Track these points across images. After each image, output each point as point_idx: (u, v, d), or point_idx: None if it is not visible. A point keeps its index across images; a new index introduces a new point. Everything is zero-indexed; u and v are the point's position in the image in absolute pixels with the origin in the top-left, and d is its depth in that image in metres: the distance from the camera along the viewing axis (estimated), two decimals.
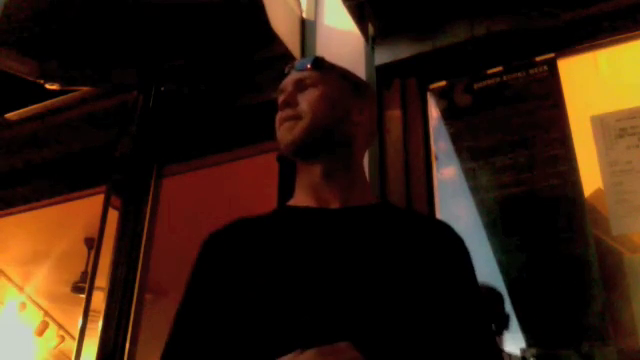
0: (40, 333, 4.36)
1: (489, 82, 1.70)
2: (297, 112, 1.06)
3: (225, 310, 0.94)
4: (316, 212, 1.04)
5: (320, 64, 1.12)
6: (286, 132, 1.06)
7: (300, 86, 1.09)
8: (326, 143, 1.06)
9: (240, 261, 0.99)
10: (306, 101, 1.07)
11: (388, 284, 0.91)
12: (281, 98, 1.10)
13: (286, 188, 1.72)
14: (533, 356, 1.38)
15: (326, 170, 1.06)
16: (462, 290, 0.96)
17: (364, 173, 1.14)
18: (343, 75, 1.15)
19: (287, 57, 1.83)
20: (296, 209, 1.08)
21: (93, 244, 2.45)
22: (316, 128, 1.05)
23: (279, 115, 1.09)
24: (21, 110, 2.38)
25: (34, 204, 2.50)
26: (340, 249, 0.95)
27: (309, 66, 1.11)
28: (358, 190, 1.08)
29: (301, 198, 1.09)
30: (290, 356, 0.77)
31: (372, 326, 0.87)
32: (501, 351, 0.96)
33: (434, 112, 1.76)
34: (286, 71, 1.15)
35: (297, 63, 1.14)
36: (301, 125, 1.05)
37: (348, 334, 0.83)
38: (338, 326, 0.85)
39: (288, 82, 1.12)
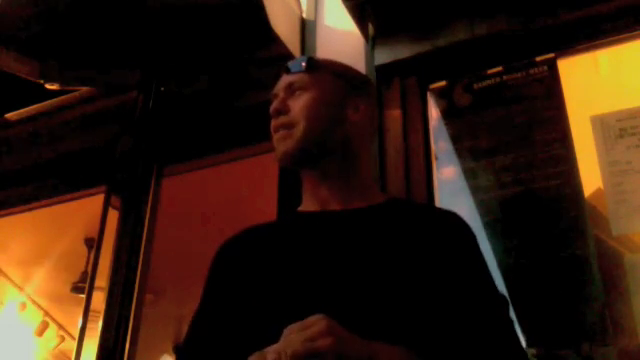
0: (40, 333, 4.36)
1: (489, 82, 1.70)
2: (289, 119, 1.05)
3: (234, 317, 0.96)
4: (318, 216, 1.04)
5: (311, 65, 1.09)
6: (280, 143, 1.05)
7: (291, 90, 1.07)
8: (321, 149, 1.05)
9: (248, 269, 1.00)
10: (298, 107, 1.05)
11: (387, 285, 0.91)
12: (272, 106, 1.08)
13: (286, 188, 1.72)
14: (533, 356, 1.38)
15: (324, 174, 1.06)
16: (470, 279, 0.95)
17: (367, 170, 1.11)
18: (337, 73, 1.12)
19: (287, 57, 1.82)
20: (301, 214, 1.09)
21: (93, 244, 2.45)
22: (310, 136, 1.03)
23: (272, 123, 1.07)
24: (21, 110, 2.39)
25: (34, 204, 2.50)
26: (339, 252, 0.95)
27: (302, 65, 1.09)
28: (360, 190, 1.07)
29: (307, 203, 1.09)
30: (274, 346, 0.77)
31: (377, 323, 0.87)
32: (516, 335, 0.94)
33: (434, 112, 1.76)
34: (289, 65, 1.13)
35: (288, 65, 1.12)
36: (294, 135, 1.03)
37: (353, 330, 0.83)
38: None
39: (279, 87, 1.10)
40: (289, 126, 1.04)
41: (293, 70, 1.10)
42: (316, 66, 1.10)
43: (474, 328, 0.89)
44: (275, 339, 0.79)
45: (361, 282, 0.91)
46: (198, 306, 1.04)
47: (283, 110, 1.06)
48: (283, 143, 1.04)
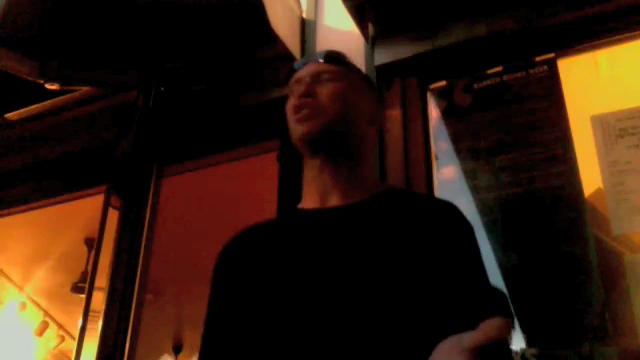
0: (40, 333, 4.37)
1: (489, 82, 1.70)
2: (316, 103, 1.04)
3: (241, 313, 0.96)
4: (317, 213, 1.04)
5: (339, 59, 1.12)
6: (303, 122, 1.04)
7: (318, 79, 1.08)
8: (340, 139, 1.05)
9: (254, 272, 1.00)
10: (327, 95, 1.05)
11: (387, 282, 0.91)
12: (301, 88, 1.07)
13: (286, 188, 1.72)
14: (533, 356, 1.38)
15: (333, 166, 1.05)
16: (466, 270, 0.94)
17: (370, 167, 1.13)
18: (357, 71, 1.16)
19: (287, 57, 1.83)
20: (300, 212, 1.08)
21: (93, 244, 2.45)
22: (335, 123, 1.03)
23: (296, 103, 1.06)
24: (21, 110, 2.38)
25: (34, 204, 2.50)
26: (343, 251, 0.95)
27: (330, 57, 1.11)
28: (361, 184, 1.07)
29: (307, 199, 1.09)
30: None
31: (378, 322, 0.87)
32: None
33: (434, 112, 1.76)
34: (300, 63, 1.13)
35: (316, 55, 1.13)
36: (321, 118, 1.03)
37: (351, 333, 0.84)
38: (336, 324, 0.86)
39: (306, 73, 1.09)
40: (316, 109, 1.04)
41: (321, 60, 1.11)
42: (343, 62, 1.13)
43: (465, 319, 0.89)
44: (286, 342, 0.79)
45: (366, 280, 0.91)
46: (208, 312, 1.04)
47: (312, 93, 1.05)
48: (307, 123, 1.03)
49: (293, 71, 1.14)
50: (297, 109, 1.05)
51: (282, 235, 1.06)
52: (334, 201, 1.04)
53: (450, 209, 1.02)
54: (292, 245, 1.01)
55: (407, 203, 1.08)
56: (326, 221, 1.02)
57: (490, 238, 1.55)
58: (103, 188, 2.13)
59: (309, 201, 1.08)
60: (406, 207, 1.05)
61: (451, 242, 0.96)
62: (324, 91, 1.06)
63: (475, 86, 1.71)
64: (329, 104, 1.04)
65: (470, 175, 1.64)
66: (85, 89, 2.24)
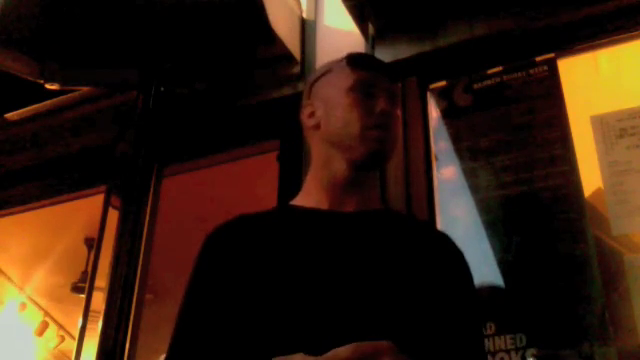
0: (40, 333, 4.36)
1: (489, 82, 1.70)
2: (394, 127, 1.08)
3: (228, 309, 0.92)
4: (327, 215, 1.03)
5: (398, 78, 1.18)
6: (380, 141, 1.04)
7: (392, 101, 1.09)
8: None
9: (243, 259, 0.96)
10: (397, 126, 1.10)
11: (393, 288, 0.92)
12: (390, 111, 1.07)
13: (286, 188, 1.72)
14: (533, 356, 1.38)
15: (366, 179, 1.08)
16: (461, 302, 0.98)
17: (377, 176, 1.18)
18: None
19: (287, 57, 1.83)
20: (304, 210, 1.05)
21: (93, 244, 2.45)
22: (394, 152, 1.11)
23: (379, 119, 1.04)
24: (21, 110, 2.38)
25: (34, 204, 2.50)
26: (350, 252, 0.95)
27: (396, 78, 1.16)
28: (373, 194, 1.10)
29: (310, 198, 1.06)
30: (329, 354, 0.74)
31: (374, 327, 0.87)
32: None
33: (434, 112, 1.76)
34: (365, 64, 1.12)
35: (382, 66, 1.16)
36: (394, 143, 1.08)
37: (351, 334, 0.83)
38: (342, 327, 0.85)
39: (382, 86, 1.09)
40: (393, 132, 1.08)
41: (391, 78, 1.13)
42: (399, 80, 1.19)
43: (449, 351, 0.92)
44: (268, 341, 0.79)
45: (367, 289, 0.91)
46: (184, 301, 0.99)
47: (392, 121, 1.08)
48: (382, 143, 1.04)
49: (351, 63, 1.10)
50: (382, 126, 1.04)
51: (280, 229, 1.02)
52: (345, 207, 1.03)
53: (448, 241, 1.07)
54: (293, 241, 0.98)
55: (407, 223, 1.16)
56: (335, 223, 1.01)
57: (490, 238, 1.55)
58: (103, 188, 2.13)
59: (311, 201, 1.06)
60: (407, 225, 1.12)
61: (449, 272, 1.00)
62: (396, 122, 1.10)
63: (475, 86, 1.71)
64: (396, 129, 1.09)
65: (470, 175, 1.64)
66: (85, 89, 2.24)
